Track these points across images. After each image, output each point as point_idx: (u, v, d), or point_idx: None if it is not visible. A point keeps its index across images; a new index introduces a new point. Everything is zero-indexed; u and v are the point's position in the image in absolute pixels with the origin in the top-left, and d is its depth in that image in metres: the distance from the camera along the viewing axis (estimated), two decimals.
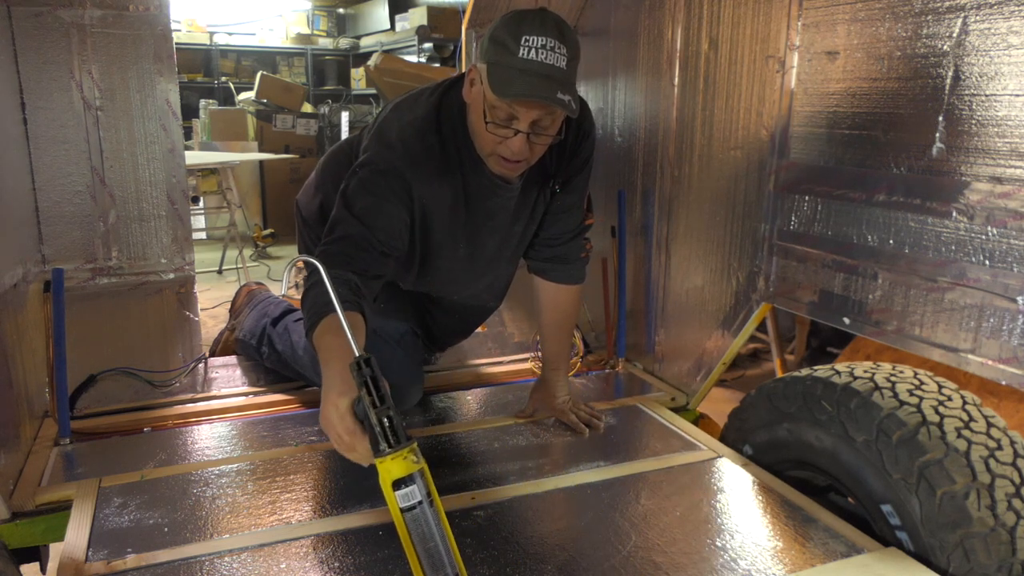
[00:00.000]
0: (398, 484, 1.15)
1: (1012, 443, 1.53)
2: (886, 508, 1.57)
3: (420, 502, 1.15)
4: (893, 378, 1.68)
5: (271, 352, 2.34)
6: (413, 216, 1.77)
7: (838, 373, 1.76)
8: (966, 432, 1.52)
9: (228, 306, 2.91)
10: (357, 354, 1.18)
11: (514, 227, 1.95)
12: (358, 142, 1.94)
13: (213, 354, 2.65)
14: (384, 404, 1.17)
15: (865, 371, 1.73)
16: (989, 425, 1.55)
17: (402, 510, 1.16)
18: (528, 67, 1.52)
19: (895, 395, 1.62)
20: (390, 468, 1.15)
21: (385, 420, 1.16)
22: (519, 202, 1.89)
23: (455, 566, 1.18)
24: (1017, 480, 1.47)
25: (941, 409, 1.57)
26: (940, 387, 1.65)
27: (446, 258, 1.93)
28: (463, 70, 2.85)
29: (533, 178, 1.88)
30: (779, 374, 3.08)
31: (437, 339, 2.31)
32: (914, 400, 1.60)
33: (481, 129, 1.64)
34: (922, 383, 1.66)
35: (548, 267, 2.07)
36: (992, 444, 1.51)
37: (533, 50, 1.51)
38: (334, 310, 1.22)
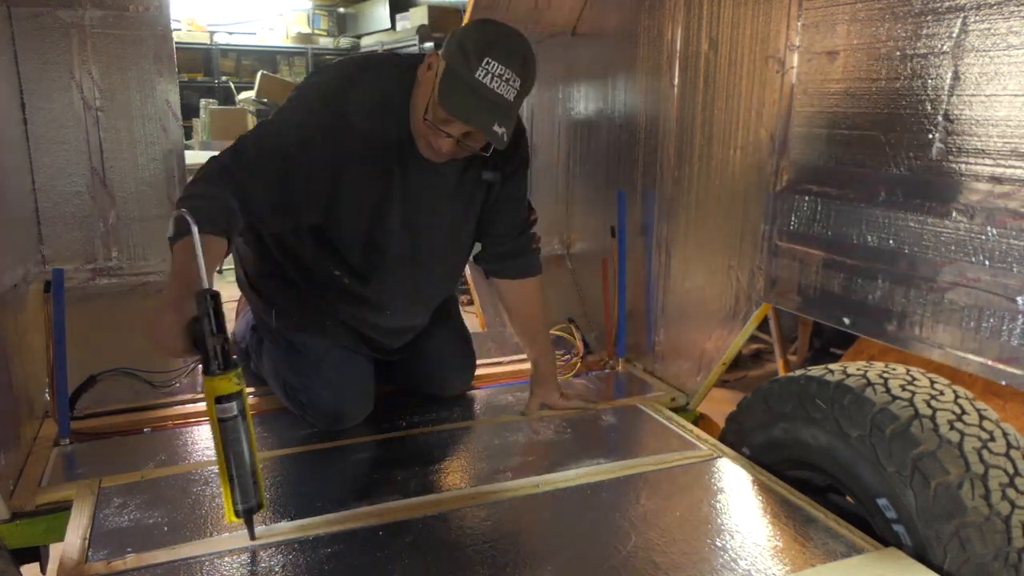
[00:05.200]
0: (220, 399, 1.37)
1: (1005, 435, 1.53)
2: (882, 502, 1.57)
3: (236, 416, 1.39)
4: (886, 374, 1.69)
5: (248, 356, 2.28)
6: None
7: (831, 371, 1.76)
8: (959, 424, 1.53)
9: (229, 306, 2.91)
10: (205, 286, 1.34)
11: (450, 213, 1.94)
12: None
13: None
14: (221, 333, 1.36)
15: (858, 369, 1.74)
16: (981, 418, 1.56)
17: (220, 420, 1.39)
18: (479, 90, 1.58)
19: (887, 390, 1.63)
20: (216, 386, 1.37)
21: (219, 347, 1.36)
22: (454, 190, 1.92)
23: (255, 470, 1.44)
24: (1011, 470, 1.47)
25: (933, 403, 1.58)
26: (932, 382, 1.66)
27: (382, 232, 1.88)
28: None
29: (467, 164, 1.89)
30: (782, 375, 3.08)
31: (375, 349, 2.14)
32: (906, 395, 1.61)
33: (420, 115, 1.69)
34: (914, 379, 1.67)
35: (503, 265, 2.09)
36: (985, 436, 1.51)
37: (490, 76, 1.58)
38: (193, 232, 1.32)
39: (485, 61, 1.58)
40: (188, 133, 8.02)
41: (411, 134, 1.78)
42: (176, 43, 2.37)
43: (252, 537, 1.52)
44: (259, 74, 8.17)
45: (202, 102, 8.31)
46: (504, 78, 1.59)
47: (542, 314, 2.15)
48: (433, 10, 7.81)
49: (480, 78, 1.58)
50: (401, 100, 1.77)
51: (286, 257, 1.95)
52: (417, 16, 7.95)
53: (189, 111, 8.13)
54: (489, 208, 2.01)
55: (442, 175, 1.87)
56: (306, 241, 1.87)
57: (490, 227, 2.05)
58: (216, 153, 1.66)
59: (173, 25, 2.36)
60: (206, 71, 9.52)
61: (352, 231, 1.85)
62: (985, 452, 1.49)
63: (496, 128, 1.61)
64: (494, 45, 1.59)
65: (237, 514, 1.46)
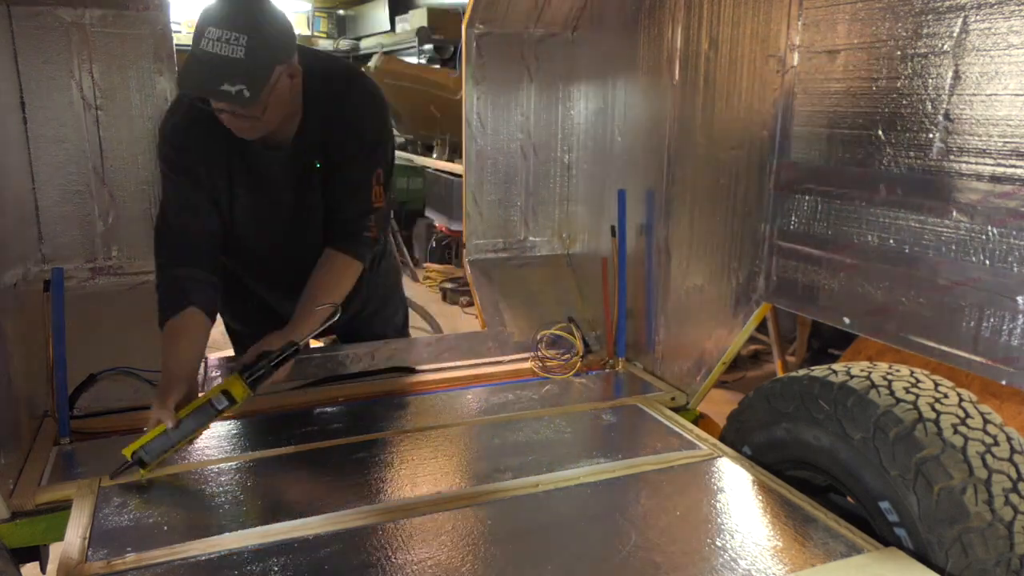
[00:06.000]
0: (225, 393, 1.76)
1: (1009, 439, 1.53)
2: (884, 505, 1.57)
3: (216, 411, 1.76)
4: (889, 376, 1.69)
5: None
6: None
7: (835, 372, 1.76)
8: (962, 428, 1.53)
9: None
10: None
11: (291, 198, 2.04)
12: None
13: None
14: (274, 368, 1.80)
15: (862, 370, 1.74)
16: (985, 421, 1.56)
17: (209, 402, 1.75)
18: (202, 58, 1.68)
19: (891, 393, 1.63)
20: (233, 383, 1.76)
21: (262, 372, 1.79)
22: (287, 168, 2.00)
23: (169, 449, 1.75)
24: (1014, 475, 1.47)
25: (937, 406, 1.58)
26: (936, 385, 1.66)
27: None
28: (463, 71, 2.86)
29: (299, 149, 1.97)
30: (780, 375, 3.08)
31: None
32: (910, 397, 1.60)
33: None
34: (918, 381, 1.67)
35: (333, 235, 2.06)
36: (989, 440, 1.51)
37: (211, 41, 1.67)
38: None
39: (206, 31, 1.68)
40: None
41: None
42: (176, 45, 2.36)
43: (112, 477, 1.74)
44: None
45: None
46: (224, 39, 1.67)
47: (330, 287, 1.98)
48: (433, 12, 7.82)
49: (204, 47, 1.67)
50: None
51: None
52: (416, 18, 7.96)
53: None
54: (330, 192, 2.05)
55: (274, 163, 1.98)
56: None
57: (330, 206, 2.07)
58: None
59: (173, 27, 2.35)
60: None
61: (229, 225, 2.04)
62: (988, 457, 1.49)
63: (227, 87, 1.68)
64: (212, 14, 1.69)
65: (132, 454, 1.71)
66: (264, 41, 1.72)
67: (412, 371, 2.47)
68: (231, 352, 2.72)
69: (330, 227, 2.08)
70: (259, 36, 1.70)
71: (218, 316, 2.11)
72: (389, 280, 2.59)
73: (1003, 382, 1.44)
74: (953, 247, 1.51)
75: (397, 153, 4.94)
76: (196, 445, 1.96)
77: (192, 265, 1.92)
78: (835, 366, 1.80)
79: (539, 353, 2.59)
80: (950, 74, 1.49)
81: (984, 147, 1.44)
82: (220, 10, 1.69)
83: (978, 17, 1.43)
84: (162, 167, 1.98)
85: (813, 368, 1.84)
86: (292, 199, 2.05)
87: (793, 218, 1.88)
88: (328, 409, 2.21)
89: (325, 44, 9.81)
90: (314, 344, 2.68)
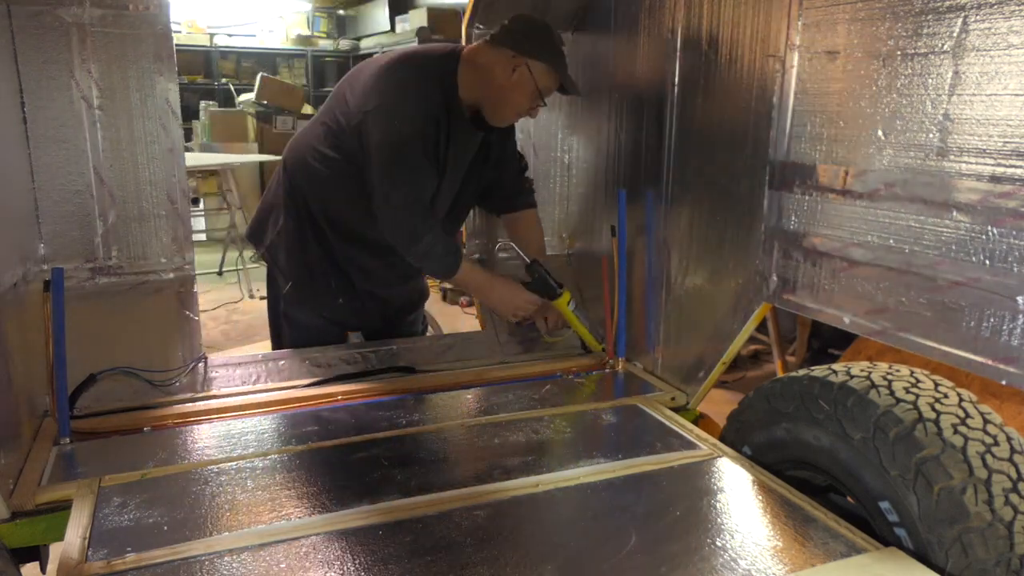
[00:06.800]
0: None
1: (1009, 439, 1.53)
2: (884, 505, 1.57)
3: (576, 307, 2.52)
4: (889, 376, 1.69)
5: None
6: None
7: (835, 372, 1.76)
8: (962, 428, 1.53)
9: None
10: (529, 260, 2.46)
11: (473, 172, 2.46)
12: None
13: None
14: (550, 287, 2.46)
15: (862, 370, 1.74)
16: (985, 421, 1.56)
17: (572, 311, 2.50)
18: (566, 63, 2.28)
19: (891, 393, 1.63)
20: (560, 301, 2.47)
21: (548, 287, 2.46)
22: (477, 147, 2.43)
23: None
24: (1014, 475, 1.47)
25: (937, 406, 1.58)
26: (936, 385, 1.66)
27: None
28: None
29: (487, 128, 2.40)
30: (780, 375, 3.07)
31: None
32: (910, 397, 1.60)
33: (520, 101, 2.29)
34: (918, 381, 1.67)
35: (512, 203, 2.65)
36: (989, 440, 1.51)
37: (567, 58, 2.28)
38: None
39: (563, 50, 2.27)
40: (188, 135, 8.02)
41: (457, 109, 2.29)
42: (176, 45, 2.36)
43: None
44: (259, 76, 8.18)
45: (202, 104, 8.33)
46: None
47: (543, 239, 2.70)
48: (433, 12, 7.82)
49: (567, 63, 2.27)
50: (449, 83, 2.28)
51: (347, 233, 2.44)
52: (417, 18, 7.96)
53: (189, 113, 8.15)
54: (493, 167, 2.52)
55: (471, 143, 2.38)
56: None
57: (499, 179, 2.57)
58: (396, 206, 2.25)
59: (173, 27, 2.35)
60: (206, 73, 9.54)
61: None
62: (988, 457, 1.49)
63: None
64: (557, 38, 2.27)
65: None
66: None
67: (412, 371, 2.47)
68: (230, 352, 2.72)
69: (509, 187, 2.61)
70: None
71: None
72: (421, 286, 2.84)
73: (1003, 382, 1.44)
74: (953, 247, 1.51)
75: None
76: (196, 444, 1.97)
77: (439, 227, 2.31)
78: (835, 366, 1.80)
79: (539, 353, 2.59)
80: (950, 74, 1.49)
81: (984, 147, 1.44)
82: (558, 36, 2.27)
83: (978, 17, 1.43)
84: (415, 146, 2.21)
85: (813, 368, 1.84)
86: (467, 176, 2.44)
87: (793, 218, 1.88)
88: (328, 409, 2.21)
89: (325, 44, 9.81)
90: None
